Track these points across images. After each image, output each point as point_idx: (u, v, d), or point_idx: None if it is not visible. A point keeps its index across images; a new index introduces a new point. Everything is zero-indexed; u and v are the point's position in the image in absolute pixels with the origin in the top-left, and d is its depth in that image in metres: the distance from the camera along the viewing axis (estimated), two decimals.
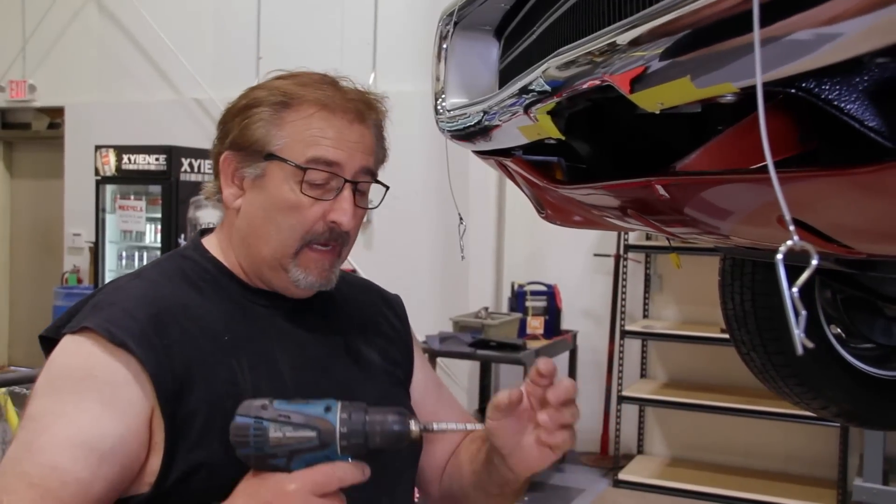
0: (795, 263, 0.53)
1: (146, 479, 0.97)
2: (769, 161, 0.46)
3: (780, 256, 0.46)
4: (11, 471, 0.92)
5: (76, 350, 0.99)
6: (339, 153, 1.06)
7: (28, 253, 7.46)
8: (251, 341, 1.07)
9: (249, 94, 1.10)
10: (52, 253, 7.10)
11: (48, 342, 1.04)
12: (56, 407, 0.95)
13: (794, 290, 0.44)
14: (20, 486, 0.90)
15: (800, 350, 0.44)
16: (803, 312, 0.43)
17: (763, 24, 0.49)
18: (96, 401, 0.95)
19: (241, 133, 1.08)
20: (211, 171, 1.17)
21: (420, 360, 1.28)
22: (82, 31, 6.77)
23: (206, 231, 1.18)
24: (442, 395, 1.31)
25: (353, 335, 1.18)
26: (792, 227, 0.46)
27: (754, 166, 0.77)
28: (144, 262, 3.92)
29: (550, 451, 1.00)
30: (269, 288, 1.12)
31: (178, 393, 0.98)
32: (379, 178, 1.14)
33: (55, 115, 7.13)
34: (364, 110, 1.09)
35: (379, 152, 1.13)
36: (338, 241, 1.09)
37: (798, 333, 0.43)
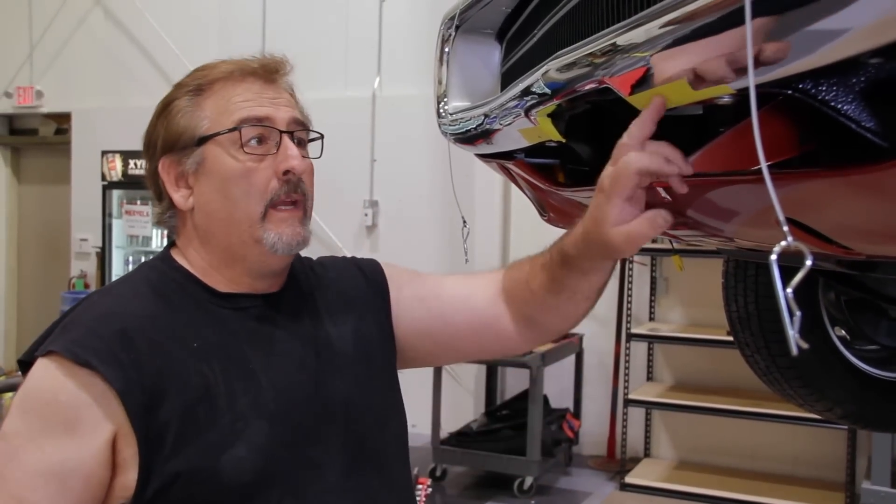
0: (793, 265, 0.53)
1: (118, 493, 0.99)
2: (762, 161, 0.47)
3: (774, 257, 0.46)
4: None
5: (43, 374, 1.00)
6: (263, 109, 1.07)
7: (35, 258, 7.49)
8: (221, 345, 1.06)
9: (163, 100, 1.12)
10: (59, 258, 7.13)
11: (25, 365, 1.05)
12: (24, 430, 0.98)
13: (789, 290, 0.44)
14: None
15: (794, 350, 0.44)
16: (798, 313, 0.43)
17: (756, 24, 0.49)
18: (60, 426, 0.97)
19: (167, 132, 1.09)
20: None
21: (399, 288, 1.25)
22: (88, 38, 6.80)
23: (172, 244, 1.18)
24: (435, 282, 1.28)
25: (325, 322, 1.17)
26: (785, 228, 0.47)
27: (754, 168, 0.77)
28: None
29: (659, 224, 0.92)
30: (242, 283, 1.11)
31: (148, 406, 0.98)
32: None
33: (62, 121, 7.16)
34: (270, 72, 1.11)
35: (300, 108, 1.14)
36: (298, 193, 1.08)
37: (793, 334, 0.43)
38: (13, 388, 3.10)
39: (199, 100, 1.08)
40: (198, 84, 1.09)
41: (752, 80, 0.46)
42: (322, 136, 1.15)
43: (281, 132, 1.08)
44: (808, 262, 0.45)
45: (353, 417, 1.12)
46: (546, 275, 1.13)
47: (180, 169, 1.09)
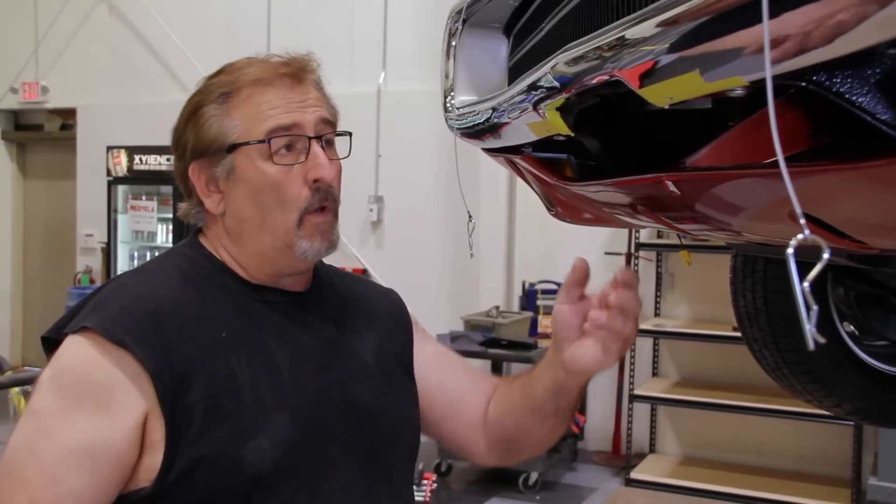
0: (806, 259, 0.53)
1: (143, 475, 0.99)
2: (779, 155, 0.46)
3: (790, 251, 0.46)
4: (17, 475, 0.96)
5: (76, 351, 1.01)
6: (291, 116, 1.08)
7: (41, 253, 7.50)
8: (248, 337, 1.08)
9: (191, 101, 1.12)
10: (65, 253, 7.14)
11: (50, 343, 1.06)
12: (57, 407, 0.98)
13: (805, 284, 0.44)
14: (23, 498, 0.95)
15: (811, 345, 0.44)
16: (815, 307, 0.42)
17: (772, 14, 0.48)
18: (94, 404, 0.98)
19: (196, 139, 1.10)
20: None
21: (421, 340, 1.29)
22: (93, 33, 6.81)
23: (200, 231, 1.19)
24: (447, 364, 1.30)
25: (349, 328, 1.19)
26: (803, 221, 0.46)
27: (766, 161, 0.76)
28: None
29: (607, 355, 1.04)
30: (270, 280, 1.13)
31: (176, 390, 0.99)
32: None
33: (67, 117, 7.17)
34: (297, 72, 1.10)
35: (330, 106, 1.15)
36: (329, 199, 1.10)
37: (809, 328, 0.43)
38: (20, 383, 3.11)
39: (227, 107, 1.08)
40: (226, 87, 1.09)
41: (768, 72, 0.45)
42: (350, 134, 1.16)
43: (309, 138, 1.08)
44: (826, 256, 0.45)
45: (369, 424, 1.13)
46: (525, 378, 1.20)
47: (211, 174, 1.10)
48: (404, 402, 1.21)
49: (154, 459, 0.99)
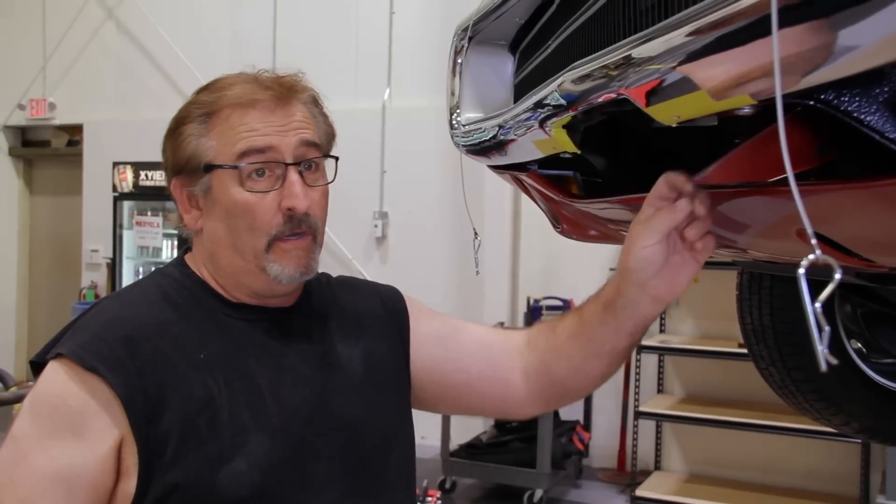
0: (816, 278, 0.52)
1: (119, 502, 0.99)
2: (790, 174, 0.46)
3: (801, 271, 0.46)
4: None
5: (52, 377, 1.01)
6: (267, 139, 1.04)
7: (46, 269, 7.52)
8: (228, 357, 1.06)
9: (176, 117, 1.10)
10: (70, 268, 7.16)
11: (37, 366, 1.06)
12: (34, 433, 0.99)
13: (817, 304, 0.44)
14: None
15: (823, 367, 0.43)
16: (827, 328, 0.42)
17: (781, 34, 0.48)
18: (68, 430, 0.98)
19: (174, 155, 1.09)
20: None
21: (423, 318, 1.25)
22: (100, 50, 6.85)
23: (189, 249, 1.17)
24: (458, 337, 1.25)
25: (335, 341, 1.16)
26: (814, 241, 0.46)
27: (772, 179, 0.76)
28: None
29: (695, 259, 0.99)
30: (252, 298, 1.11)
31: (150, 415, 0.98)
32: (332, 153, 1.12)
33: (74, 133, 7.21)
34: (284, 94, 1.07)
35: (320, 126, 1.11)
36: (303, 226, 1.06)
37: (822, 349, 0.42)
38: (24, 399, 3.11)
39: (207, 126, 1.07)
40: (209, 107, 1.07)
41: (778, 91, 0.45)
42: (336, 158, 1.12)
43: (286, 165, 1.05)
44: (838, 276, 0.45)
45: (356, 438, 1.10)
46: (575, 319, 1.14)
47: (190, 191, 1.09)
48: (395, 412, 1.18)
49: (129, 486, 0.98)
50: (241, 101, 1.06)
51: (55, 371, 1.01)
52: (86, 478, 0.97)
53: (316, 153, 1.09)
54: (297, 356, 1.11)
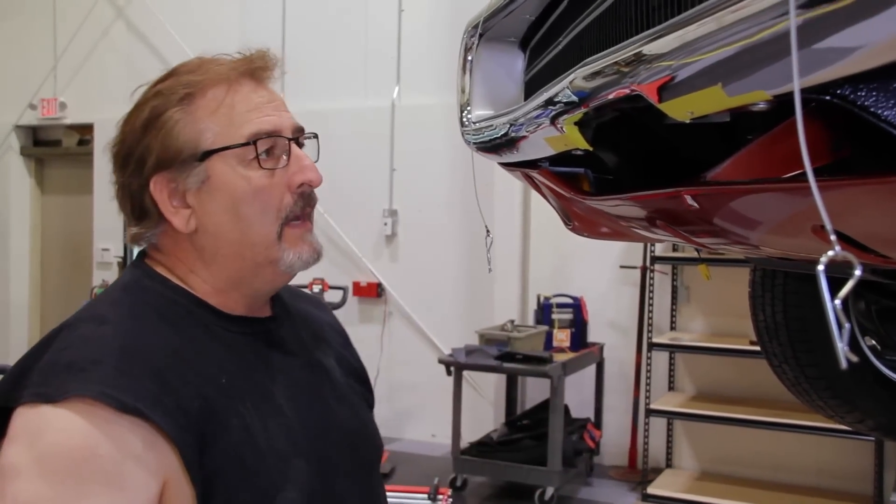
0: (834, 275, 0.52)
1: None
2: (809, 171, 0.45)
3: (821, 268, 0.45)
4: None
5: (66, 426, 0.85)
6: (270, 119, 0.99)
7: (58, 268, 7.56)
8: (245, 379, 0.99)
9: (143, 109, 0.99)
10: (82, 268, 7.19)
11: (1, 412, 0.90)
12: (52, 496, 0.83)
13: (837, 301, 0.43)
14: None
15: (844, 364, 0.43)
16: (847, 325, 0.41)
17: (799, 27, 0.48)
18: (101, 483, 0.84)
19: (162, 148, 0.97)
20: None
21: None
22: (111, 50, 6.88)
23: (144, 254, 1.06)
24: None
25: (314, 349, 1.13)
26: (833, 237, 0.45)
27: (788, 175, 0.76)
28: None
29: None
30: (245, 306, 1.04)
31: (200, 452, 0.90)
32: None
33: (85, 132, 7.24)
34: (255, 71, 1.02)
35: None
36: (312, 203, 1.03)
37: (842, 347, 0.42)
38: None
39: (192, 109, 0.97)
40: (190, 87, 0.98)
41: (797, 86, 0.45)
42: (316, 137, 1.07)
43: (289, 140, 1.00)
44: (858, 273, 0.44)
45: (359, 447, 1.10)
46: None
47: (175, 186, 0.98)
48: (370, 418, 1.18)
49: None
50: (227, 78, 1.00)
51: (68, 419, 0.85)
52: None
53: (302, 132, 1.04)
54: (297, 368, 1.07)
